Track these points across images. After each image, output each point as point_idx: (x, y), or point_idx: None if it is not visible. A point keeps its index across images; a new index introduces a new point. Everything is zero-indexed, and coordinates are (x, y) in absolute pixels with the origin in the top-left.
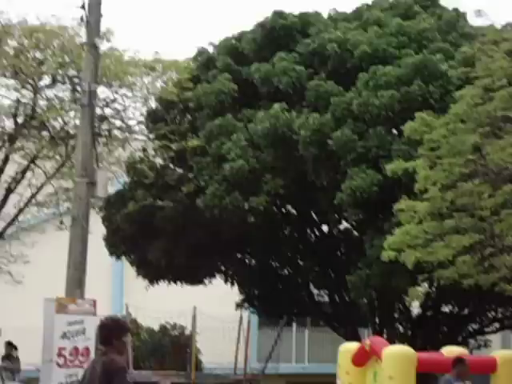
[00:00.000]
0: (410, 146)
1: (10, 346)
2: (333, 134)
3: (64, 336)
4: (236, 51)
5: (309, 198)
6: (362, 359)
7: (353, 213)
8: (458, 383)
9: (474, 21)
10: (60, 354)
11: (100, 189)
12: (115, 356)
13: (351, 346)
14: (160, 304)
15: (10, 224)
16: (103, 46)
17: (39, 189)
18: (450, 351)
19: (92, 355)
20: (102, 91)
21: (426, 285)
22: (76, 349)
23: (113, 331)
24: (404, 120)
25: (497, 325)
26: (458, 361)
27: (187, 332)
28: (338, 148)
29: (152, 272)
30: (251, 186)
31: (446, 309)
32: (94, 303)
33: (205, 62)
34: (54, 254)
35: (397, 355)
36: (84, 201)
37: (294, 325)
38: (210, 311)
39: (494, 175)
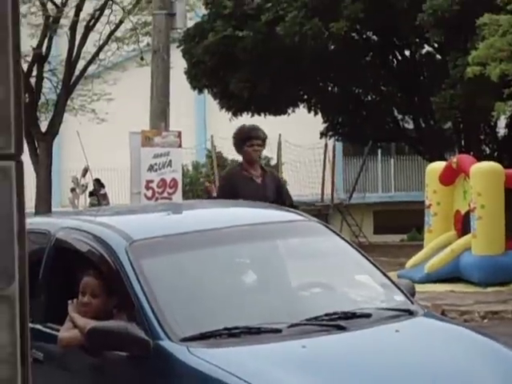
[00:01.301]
0: None
1: (98, 183)
2: None
3: (151, 168)
4: None
5: (390, 21)
6: (449, 177)
7: (435, 33)
8: None
9: None
10: (148, 187)
11: (179, 19)
12: (230, 168)
13: (438, 165)
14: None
15: (90, 62)
16: None
17: (118, 25)
18: None
19: (179, 187)
20: None
21: None
22: (163, 180)
23: (234, 142)
24: None
25: None
26: None
27: (273, 162)
28: None
29: (235, 104)
30: (331, 11)
31: None
32: (179, 135)
33: None
34: (137, 91)
35: (485, 171)
36: (164, 32)
37: (380, 153)
38: (295, 141)
39: None
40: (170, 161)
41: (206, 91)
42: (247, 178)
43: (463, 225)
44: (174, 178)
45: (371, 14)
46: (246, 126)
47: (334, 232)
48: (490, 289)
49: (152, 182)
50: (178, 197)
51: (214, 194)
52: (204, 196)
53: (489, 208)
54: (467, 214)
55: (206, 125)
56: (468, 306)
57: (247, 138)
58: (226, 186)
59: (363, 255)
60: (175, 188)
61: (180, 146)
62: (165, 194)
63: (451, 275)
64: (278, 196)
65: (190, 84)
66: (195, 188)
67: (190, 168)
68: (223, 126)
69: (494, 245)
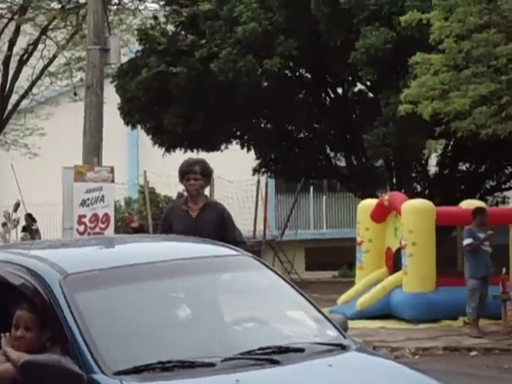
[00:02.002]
0: (422, 2)
1: (30, 217)
2: None
3: (83, 203)
4: None
5: (323, 59)
6: (381, 215)
7: (368, 71)
8: (479, 233)
9: None
10: (80, 222)
11: (113, 55)
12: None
13: (370, 203)
14: (177, 172)
15: (23, 97)
16: None
17: (52, 59)
18: (469, 204)
19: (112, 222)
20: None
21: (443, 140)
22: (96, 215)
23: (178, 176)
24: None
25: None
26: (479, 211)
27: None
28: (350, 6)
29: (168, 139)
30: (264, 48)
31: (463, 167)
32: (112, 170)
33: None
34: (69, 125)
35: (416, 209)
36: (98, 68)
37: (312, 190)
38: (228, 177)
39: (509, 23)
40: (103, 196)
41: (139, 127)
42: (183, 212)
43: (394, 262)
44: (107, 213)
45: (305, 51)
46: (186, 160)
47: (268, 267)
48: (420, 325)
49: (84, 216)
50: (110, 232)
51: (134, 224)
52: (123, 226)
53: (420, 245)
54: (398, 251)
55: (138, 160)
56: (399, 343)
57: (185, 173)
58: (163, 219)
59: (297, 290)
60: (107, 223)
61: (113, 181)
62: (97, 229)
63: (382, 312)
64: (220, 230)
65: (123, 119)
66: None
67: (123, 203)
68: (156, 162)
69: (425, 282)
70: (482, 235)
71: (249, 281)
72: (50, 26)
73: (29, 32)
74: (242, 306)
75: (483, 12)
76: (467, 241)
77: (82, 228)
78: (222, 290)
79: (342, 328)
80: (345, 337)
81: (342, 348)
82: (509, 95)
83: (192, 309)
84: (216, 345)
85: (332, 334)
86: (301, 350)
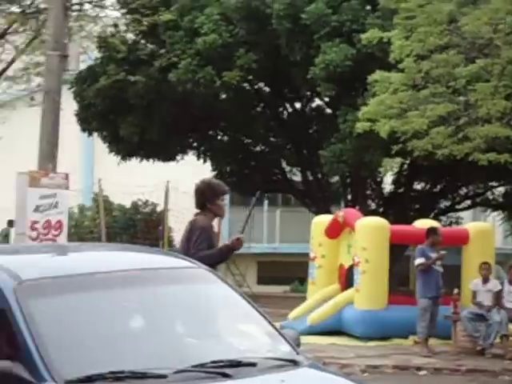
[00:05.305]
0: (383, 20)
1: None
2: (306, 8)
3: (37, 209)
4: None
5: (282, 73)
6: (335, 231)
7: (326, 87)
8: (431, 253)
9: None
10: (33, 228)
11: (72, 61)
12: (202, 217)
13: (324, 218)
14: (131, 181)
15: None
16: None
17: (10, 63)
18: (423, 223)
19: (65, 229)
20: None
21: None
22: (49, 222)
23: (204, 194)
24: None
25: (468, 202)
26: (432, 230)
27: (159, 209)
28: (311, 22)
29: (124, 148)
30: (224, 60)
31: (418, 186)
32: (67, 177)
33: None
34: (26, 131)
35: (370, 226)
36: (56, 74)
37: (266, 204)
38: (183, 188)
39: (469, 45)
40: (57, 202)
41: (95, 134)
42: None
43: (347, 278)
44: (60, 220)
45: (264, 64)
46: (215, 180)
47: (223, 280)
48: (371, 343)
49: (37, 222)
50: (63, 239)
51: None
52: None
53: (373, 263)
54: (351, 267)
55: (93, 168)
56: (349, 360)
57: (223, 193)
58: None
59: (251, 304)
60: (60, 230)
61: (67, 188)
62: (49, 236)
63: (333, 328)
64: (188, 243)
65: (79, 126)
66: (80, 231)
67: (76, 211)
68: (111, 170)
69: (376, 299)
70: (434, 255)
71: (203, 293)
72: (10, 30)
73: None
74: (196, 318)
75: (444, 33)
76: (419, 260)
77: (34, 234)
78: (176, 302)
79: (295, 343)
80: (297, 352)
81: (295, 363)
82: (466, 116)
83: (146, 319)
84: (169, 356)
85: (285, 349)
86: (253, 365)
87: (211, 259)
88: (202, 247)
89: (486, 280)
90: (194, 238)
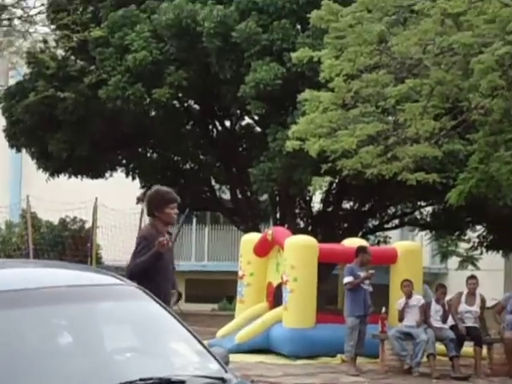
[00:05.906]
0: (314, 40)
1: None
2: (237, 27)
3: None
4: None
5: (212, 91)
6: (264, 249)
7: (256, 106)
8: (360, 271)
9: None
10: None
11: (1, 77)
12: (146, 227)
13: (253, 237)
14: (60, 198)
15: None
16: None
17: None
18: (351, 242)
19: None
20: None
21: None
22: None
23: (153, 202)
24: (309, 13)
25: (396, 221)
26: (361, 249)
27: (87, 226)
28: (242, 40)
29: (53, 164)
30: (154, 77)
31: (346, 205)
32: None
33: None
34: None
35: (299, 245)
36: None
37: (194, 222)
38: (112, 205)
39: (398, 65)
40: None
41: (23, 150)
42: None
43: (275, 297)
44: None
45: (194, 82)
46: (163, 188)
47: (152, 297)
48: (299, 361)
49: None
50: None
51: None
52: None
53: (301, 281)
54: (279, 286)
55: (21, 184)
56: (277, 378)
57: (171, 200)
58: (147, 242)
59: (179, 322)
60: None
61: None
62: None
63: (262, 346)
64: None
65: (8, 142)
66: (7, 247)
67: (3, 227)
68: (39, 187)
69: (304, 318)
70: (362, 274)
71: (132, 310)
72: None
73: None
74: (124, 335)
75: (373, 53)
76: (347, 279)
77: None
78: (104, 319)
79: (224, 361)
80: (226, 370)
81: (223, 381)
82: (395, 136)
83: (73, 337)
84: (97, 374)
85: (213, 367)
86: (182, 382)
87: (146, 263)
88: (141, 255)
89: (409, 297)
90: (135, 247)
